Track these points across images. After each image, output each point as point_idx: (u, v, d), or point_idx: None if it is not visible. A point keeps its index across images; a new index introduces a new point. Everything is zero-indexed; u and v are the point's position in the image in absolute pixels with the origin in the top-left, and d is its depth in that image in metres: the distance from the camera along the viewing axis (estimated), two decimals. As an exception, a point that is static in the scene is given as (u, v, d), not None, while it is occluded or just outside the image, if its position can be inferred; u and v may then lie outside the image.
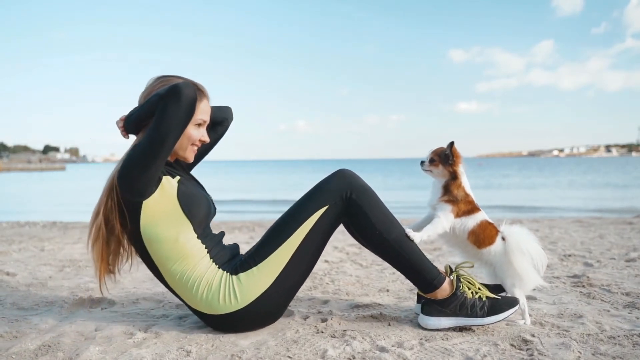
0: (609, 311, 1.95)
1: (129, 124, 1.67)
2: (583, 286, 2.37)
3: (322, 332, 1.72)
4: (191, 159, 1.77)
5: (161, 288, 2.47)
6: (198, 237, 1.67)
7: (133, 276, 2.77)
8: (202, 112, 1.71)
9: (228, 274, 1.67)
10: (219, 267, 1.68)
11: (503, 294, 1.79)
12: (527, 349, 1.54)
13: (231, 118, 2.05)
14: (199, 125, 1.72)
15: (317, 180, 1.77)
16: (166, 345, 1.59)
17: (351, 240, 4.14)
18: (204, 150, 1.98)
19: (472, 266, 1.82)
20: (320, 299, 2.18)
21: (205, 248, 1.68)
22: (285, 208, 1.79)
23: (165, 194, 1.62)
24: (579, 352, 1.51)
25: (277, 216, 1.81)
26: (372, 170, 52.88)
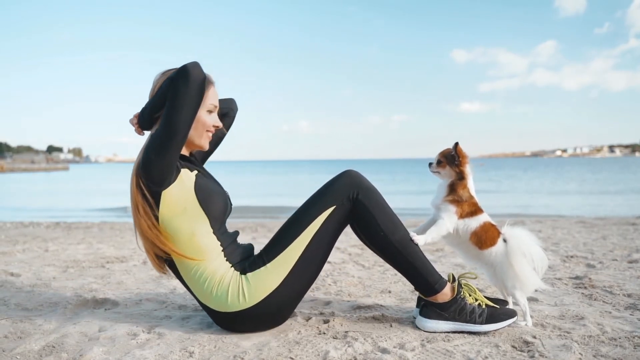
0: (610, 313, 1.95)
1: (143, 119, 1.68)
2: (585, 287, 2.37)
3: (324, 333, 1.73)
4: (207, 147, 1.79)
5: (164, 289, 2.48)
6: (214, 233, 1.68)
7: (136, 277, 2.79)
8: (212, 98, 1.73)
9: (238, 272, 1.68)
10: (231, 265, 1.69)
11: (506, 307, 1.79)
12: (529, 351, 1.54)
13: (236, 109, 2.06)
14: (210, 111, 1.74)
15: (320, 181, 1.78)
16: (169, 346, 1.61)
17: (353, 241, 4.14)
18: (215, 141, 1.99)
19: (476, 277, 1.82)
20: (323, 300, 2.19)
21: (221, 245, 1.69)
22: (289, 212, 1.80)
23: (183, 186, 1.63)
24: (580, 353, 1.51)
25: (280, 217, 1.82)
26: (375, 171, 52.83)
